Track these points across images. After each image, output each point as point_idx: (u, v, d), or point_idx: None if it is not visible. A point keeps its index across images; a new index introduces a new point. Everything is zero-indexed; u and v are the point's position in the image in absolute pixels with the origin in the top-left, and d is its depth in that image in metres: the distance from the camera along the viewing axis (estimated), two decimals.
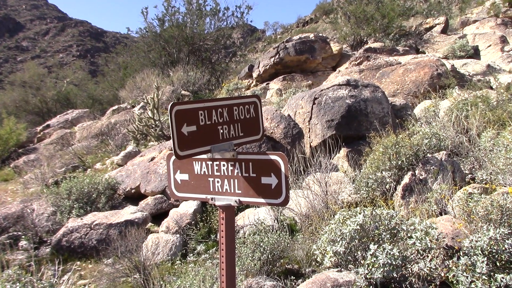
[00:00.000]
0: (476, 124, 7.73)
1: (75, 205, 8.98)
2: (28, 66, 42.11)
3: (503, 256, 4.03)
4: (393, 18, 20.55)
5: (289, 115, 10.29)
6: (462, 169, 6.74)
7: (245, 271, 5.40)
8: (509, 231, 4.29)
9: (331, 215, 5.99)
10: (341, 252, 4.80)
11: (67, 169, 13.19)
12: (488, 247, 4.07)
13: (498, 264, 4.03)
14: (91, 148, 15.60)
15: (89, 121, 19.91)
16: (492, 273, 3.94)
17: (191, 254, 6.96)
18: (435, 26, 21.26)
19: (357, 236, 4.75)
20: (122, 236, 7.00)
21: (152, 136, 13.55)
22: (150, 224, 8.38)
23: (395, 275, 4.29)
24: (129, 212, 8.27)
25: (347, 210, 5.26)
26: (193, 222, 7.65)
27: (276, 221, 6.85)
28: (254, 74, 19.78)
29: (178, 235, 7.40)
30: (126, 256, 6.34)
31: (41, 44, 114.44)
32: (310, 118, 9.64)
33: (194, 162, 3.30)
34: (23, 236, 8.29)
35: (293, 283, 5.28)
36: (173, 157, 3.37)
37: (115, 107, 20.92)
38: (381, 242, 4.61)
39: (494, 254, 4.06)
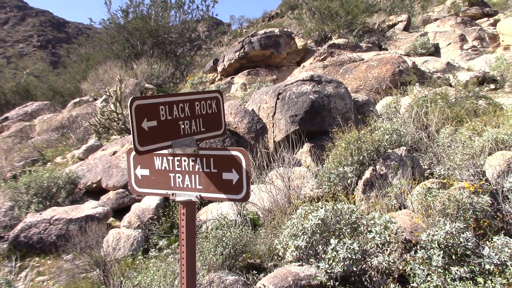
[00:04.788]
0: (435, 120, 7.93)
1: (34, 200, 8.79)
2: None
3: (458, 250, 4.16)
4: (357, 15, 20.81)
5: (253, 110, 10.30)
6: (421, 164, 6.89)
7: (207, 266, 5.38)
8: (465, 225, 4.42)
9: (293, 210, 6.03)
10: (303, 247, 4.85)
11: (26, 162, 12.86)
12: (444, 241, 4.19)
13: (453, 257, 4.15)
14: (51, 141, 15.24)
15: (50, 114, 19.44)
16: (447, 266, 4.06)
17: (153, 249, 6.89)
18: (398, 24, 21.68)
19: (318, 231, 4.80)
20: (83, 232, 6.89)
21: (115, 130, 13.34)
22: (111, 219, 8.27)
23: (355, 269, 4.37)
24: (90, 207, 8.13)
25: (309, 205, 5.30)
26: (155, 217, 7.58)
27: (239, 215, 6.86)
28: (219, 68, 19.70)
29: (140, 230, 7.32)
30: (86, 251, 6.23)
31: (0, 33, 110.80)
32: (274, 113, 9.67)
33: (155, 157, 3.26)
34: None
35: (255, 277, 5.30)
36: (133, 152, 3.33)
37: (77, 99, 20.50)
38: (341, 236, 4.68)
39: (449, 247, 4.19)
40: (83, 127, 15.43)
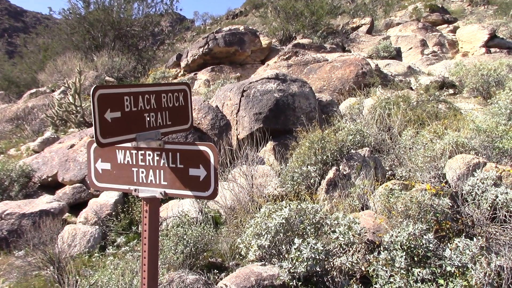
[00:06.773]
0: (398, 122, 8.01)
1: None
2: None
3: (420, 251, 4.18)
4: (322, 16, 20.95)
5: (217, 106, 10.18)
6: (384, 165, 6.95)
7: (167, 265, 5.25)
8: (427, 226, 4.45)
9: (256, 208, 5.97)
10: (266, 246, 4.78)
11: None
12: (407, 242, 4.20)
13: (415, 258, 4.17)
14: (5, 132, 14.72)
15: (4, 104, 18.78)
16: (409, 268, 4.07)
17: (111, 247, 6.69)
18: (361, 26, 21.97)
19: (282, 230, 4.74)
20: (36, 227, 6.60)
21: (73, 123, 12.97)
22: (67, 214, 8.00)
23: (318, 269, 4.33)
24: (44, 202, 7.83)
25: (273, 204, 5.24)
26: (113, 213, 7.36)
27: (200, 213, 6.74)
28: (182, 64, 19.45)
29: (97, 227, 7.09)
30: (39, 248, 5.97)
31: None
32: (238, 110, 9.58)
33: (117, 150, 3.11)
34: None
35: (216, 277, 5.21)
36: (94, 145, 3.17)
37: (33, 90, 19.90)
38: (305, 236, 4.64)
39: (412, 249, 4.20)
40: (39, 119, 14.95)
